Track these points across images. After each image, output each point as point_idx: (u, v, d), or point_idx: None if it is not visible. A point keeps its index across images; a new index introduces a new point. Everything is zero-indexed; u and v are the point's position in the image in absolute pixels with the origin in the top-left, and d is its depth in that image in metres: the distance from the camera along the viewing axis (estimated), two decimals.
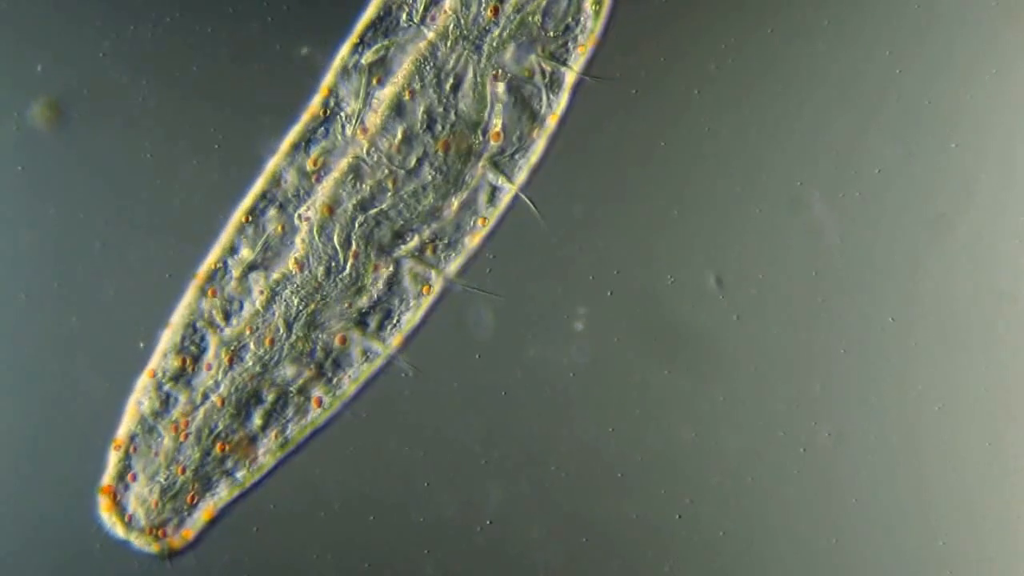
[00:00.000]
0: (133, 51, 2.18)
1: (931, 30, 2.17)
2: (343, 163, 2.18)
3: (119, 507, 2.15)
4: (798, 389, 2.16)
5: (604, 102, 2.20)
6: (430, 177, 2.19)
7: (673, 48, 2.20)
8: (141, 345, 2.17)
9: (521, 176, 2.20)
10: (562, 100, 2.20)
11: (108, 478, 2.15)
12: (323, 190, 2.18)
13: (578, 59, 2.19)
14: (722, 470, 2.16)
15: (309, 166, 2.18)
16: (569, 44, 2.19)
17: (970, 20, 2.17)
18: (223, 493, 2.16)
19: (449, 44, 2.18)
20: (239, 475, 2.16)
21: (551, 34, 2.19)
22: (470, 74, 2.18)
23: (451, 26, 2.18)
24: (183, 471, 2.15)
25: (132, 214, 2.19)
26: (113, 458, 2.15)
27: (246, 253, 2.18)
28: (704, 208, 2.20)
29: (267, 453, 2.17)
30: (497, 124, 2.19)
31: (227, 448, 2.16)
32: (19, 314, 2.18)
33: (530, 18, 2.19)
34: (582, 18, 2.19)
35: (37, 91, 2.19)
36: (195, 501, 2.15)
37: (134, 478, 2.15)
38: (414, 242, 2.18)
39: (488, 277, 2.20)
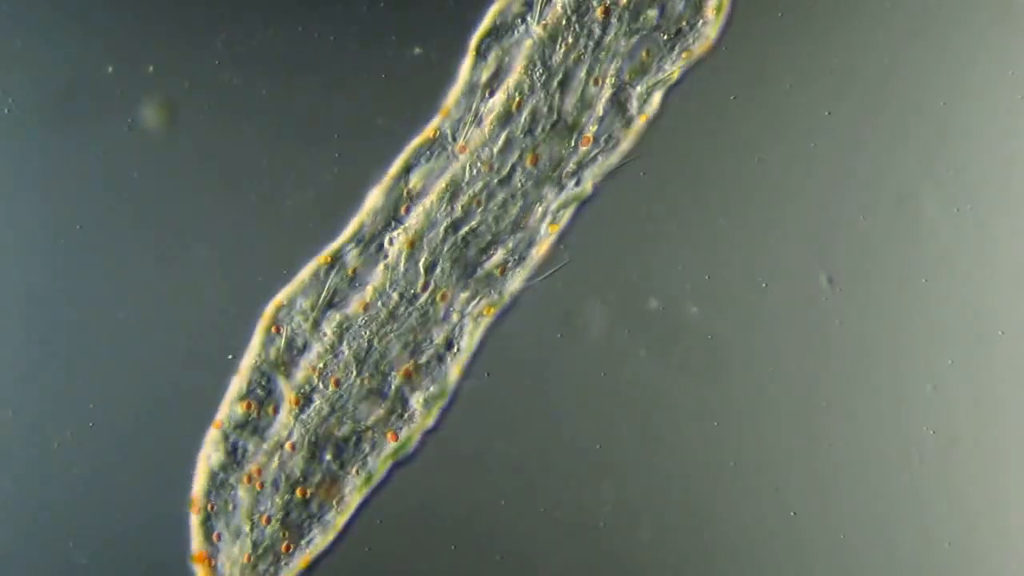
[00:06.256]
0: (247, 53, 2.12)
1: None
2: (440, 184, 2.09)
3: (215, 571, 2.08)
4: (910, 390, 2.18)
5: (699, 107, 2.16)
6: (519, 184, 2.08)
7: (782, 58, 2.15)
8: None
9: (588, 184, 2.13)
10: (654, 103, 2.11)
11: (197, 544, 2.07)
12: (414, 218, 2.06)
13: (678, 62, 2.11)
14: (834, 470, 2.19)
15: (409, 188, 2.08)
16: (677, 47, 2.09)
17: None
18: (317, 540, 2.10)
19: (561, 44, 2.07)
20: (328, 517, 2.10)
21: (664, 36, 2.10)
22: (580, 73, 2.08)
23: (563, 23, 2.08)
24: (267, 521, 2.08)
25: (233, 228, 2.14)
26: (194, 521, 2.06)
27: (307, 304, 2.06)
28: (811, 211, 2.17)
29: (353, 490, 2.11)
30: (591, 129, 2.10)
31: (309, 492, 2.09)
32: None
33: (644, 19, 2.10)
34: (699, 22, 2.10)
35: (150, 92, 2.12)
36: (290, 550, 2.10)
37: (219, 537, 2.07)
38: (498, 257, 2.09)
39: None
